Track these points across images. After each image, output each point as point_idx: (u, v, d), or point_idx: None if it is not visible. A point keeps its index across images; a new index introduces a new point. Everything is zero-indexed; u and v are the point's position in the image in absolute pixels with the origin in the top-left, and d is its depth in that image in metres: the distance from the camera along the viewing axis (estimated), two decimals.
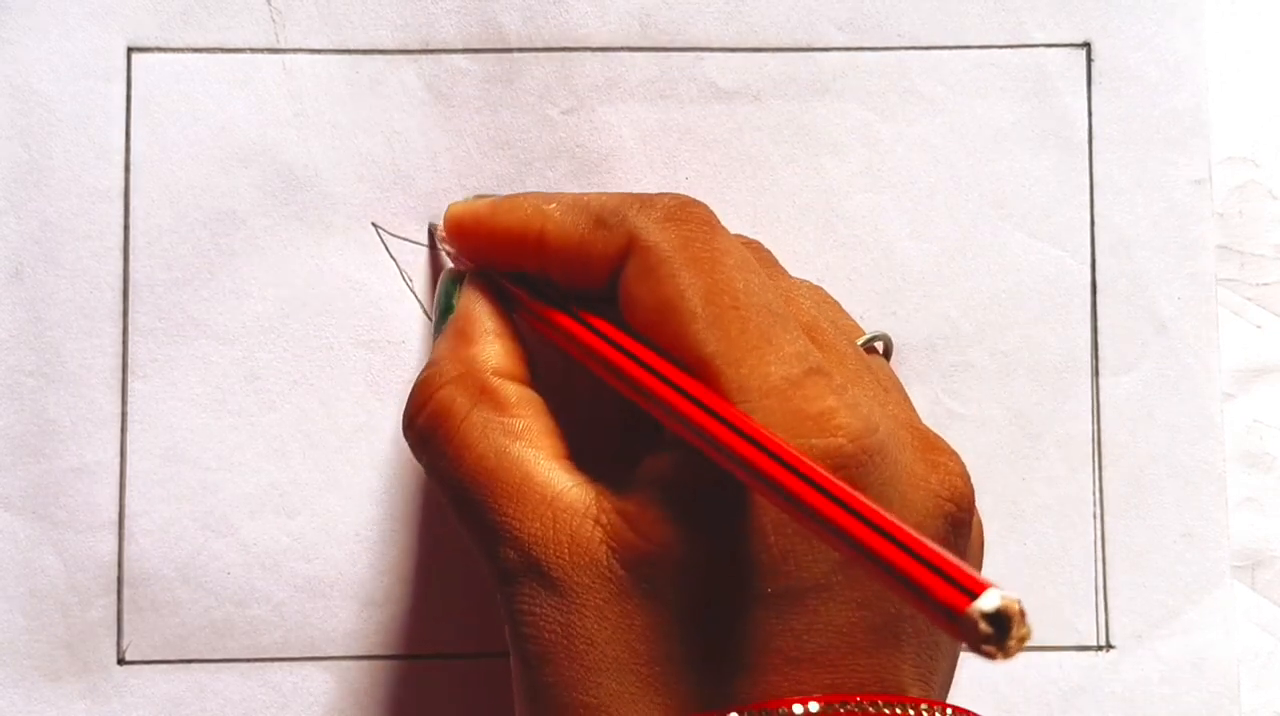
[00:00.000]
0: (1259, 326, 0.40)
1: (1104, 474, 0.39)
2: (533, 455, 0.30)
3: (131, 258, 0.38)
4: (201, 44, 0.39)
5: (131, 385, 0.38)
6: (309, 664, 0.38)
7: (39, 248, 0.38)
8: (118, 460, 0.38)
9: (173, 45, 0.39)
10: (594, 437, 0.32)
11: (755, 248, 0.34)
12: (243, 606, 0.38)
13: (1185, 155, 0.40)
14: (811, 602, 0.27)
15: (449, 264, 0.37)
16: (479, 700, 0.38)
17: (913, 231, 0.39)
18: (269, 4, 0.39)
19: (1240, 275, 0.40)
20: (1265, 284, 0.40)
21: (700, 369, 0.28)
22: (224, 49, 0.39)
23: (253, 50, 0.39)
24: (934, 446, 0.31)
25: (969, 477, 0.31)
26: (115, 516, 0.38)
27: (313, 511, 0.38)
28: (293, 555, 0.38)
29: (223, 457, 0.38)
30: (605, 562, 0.28)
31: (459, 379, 0.32)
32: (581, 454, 0.32)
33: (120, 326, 0.38)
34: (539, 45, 0.39)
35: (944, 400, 0.39)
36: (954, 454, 0.31)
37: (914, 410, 0.33)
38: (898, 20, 0.40)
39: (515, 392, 0.32)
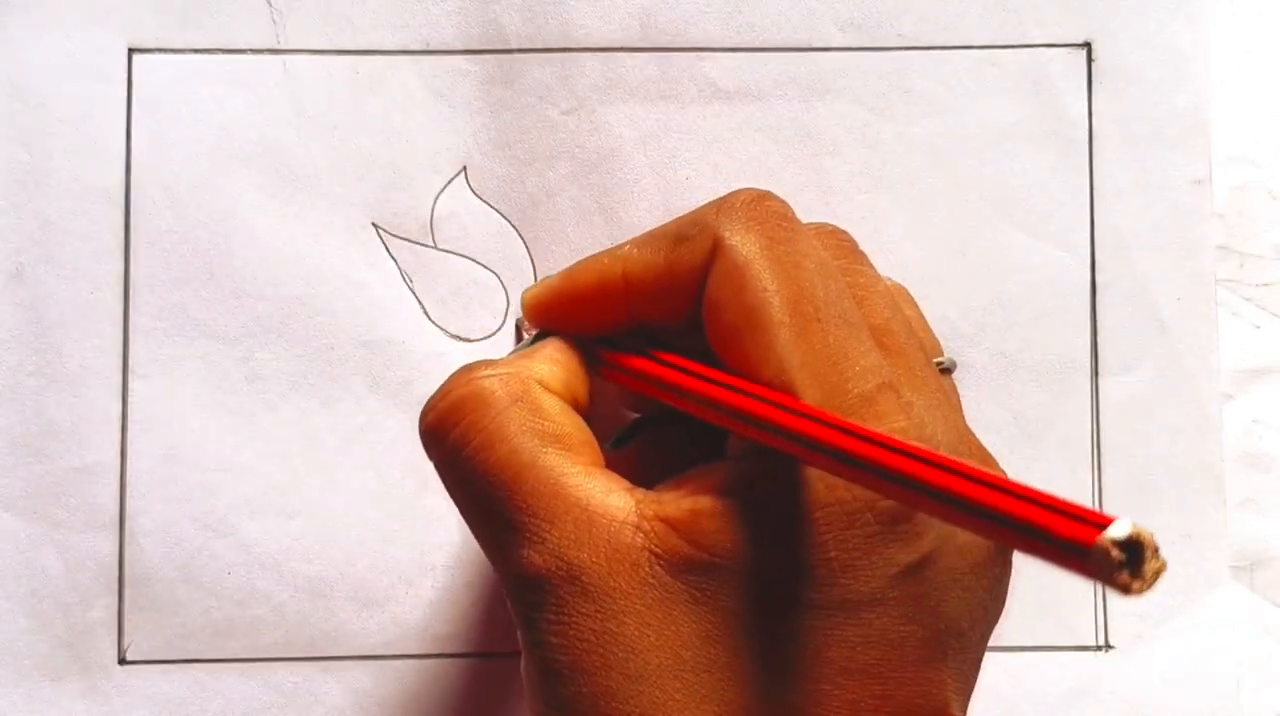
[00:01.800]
0: (1258, 326, 0.40)
1: (1103, 474, 0.39)
2: (569, 458, 0.29)
3: (131, 258, 0.38)
4: (201, 44, 0.39)
5: (131, 385, 0.38)
6: (309, 664, 0.38)
7: (39, 248, 0.38)
8: (118, 460, 0.38)
9: (173, 45, 0.39)
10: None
11: (838, 239, 0.33)
12: (243, 606, 0.38)
13: (1185, 155, 0.40)
14: (866, 615, 0.27)
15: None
16: (479, 700, 0.38)
17: (913, 231, 0.39)
18: (269, 4, 0.39)
19: (1240, 275, 0.40)
20: (1265, 284, 0.40)
21: (782, 379, 0.27)
22: (224, 49, 0.39)
23: (253, 50, 0.39)
24: (991, 466, 0.31)
25: None
26: (116, 516, 0.38)
27: (313, 511, 0.38)
28: (293, 555, 0.38)
29: (223, 458, 0.38)
30: (647, 568, 0.27)
31: (504, 376, 0.30)
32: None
33: (120, 326, 0.38)
34: (539, 46, 0.39)
35: None
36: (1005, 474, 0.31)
37: (968, 426, 0.33)
38: (898, 20, 0.40)
39: (557, 404, 0.30)
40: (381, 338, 0.39)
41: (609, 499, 0.28)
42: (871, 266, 0.32)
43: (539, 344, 0.32)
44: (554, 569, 0.28)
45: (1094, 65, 0.40)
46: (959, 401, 0.34)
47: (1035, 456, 0.39)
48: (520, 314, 0.36)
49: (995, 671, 0.38)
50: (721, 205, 0.30)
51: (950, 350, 0.39)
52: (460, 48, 0.39)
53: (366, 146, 0.39)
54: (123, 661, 0.38)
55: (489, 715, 0.38)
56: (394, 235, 0.39)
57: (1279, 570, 0.39)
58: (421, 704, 0.38)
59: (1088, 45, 0.40)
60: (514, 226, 0.39)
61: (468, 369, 0.30)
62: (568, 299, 0.32)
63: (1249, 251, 0.40)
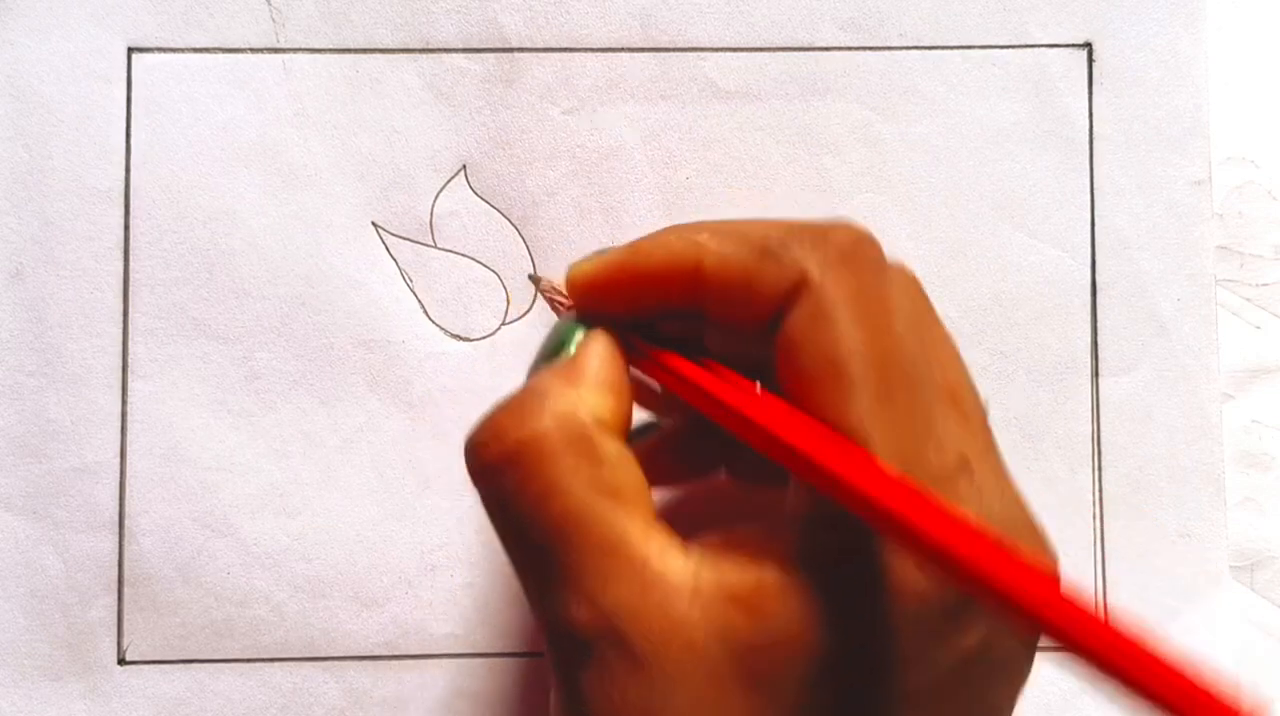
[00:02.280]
0: (1258, 327, 0.40)
1: (1103, 474, 0.39)
2: (625, 515, 0.27)
3: (131, 258, 0.38)
4: (201, 44, 0.39)
5: (131, 385, 0.38)
6: (309, 664, 0.38)
7: (39, 248, 0.38)
8: (118, 460, 0.38)
9: (173, 45, 0.39)
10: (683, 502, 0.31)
11: (917, 287, 0.30)
12: (243, 606, 0.38)
13: (1185, 156, 0.40)
14: (927, 704, 0.26)
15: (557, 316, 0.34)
16: (479, 699, 0.38)
17: (913, 231, 0.39)
18: (269, 4, 0.39)
19: (1239, 276, 0.40)
20: (1264, 284, 0.40)
21: (858, 438, 0.26)
22: (224, 49, 0.39)
23: (253, 50, 0.39)
24: (1039, 541, 0.30)
25: None
26: (115, 516, 0.38)
27: (313, 511, 0.38)
28: (293, 555, 0.38)
29: (223, 457, 0.38)
30: (703, 644, 0.25)
31: (560, 416, 0.28)
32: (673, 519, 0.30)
33: (120, 326, 0.38)
34: (540, 45, 0.39)
35: None
36: (1053, 550, 0.30)
37: (1017, 491, 0.31)
38: (899, 20, 0.40)
39: (615, 450, 0.28)
40: (381, 337, 0.39)
41: (666, 561, 0.26)
42: (939, 322, 0.31)
43: (586, 351, 0.30)
44: (604, 631, 0.26)
45: (1094, 66, 0.40)
46: (1002, 459, 0.33)
47: (1035, 456, 0.39)
48: (545, 283, 0.34)
49: None
50: (818, 238, 0.28)
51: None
52: (460, 46, 0.39)
53: (366, 146, 0.39)
54: (122, 661, 0.38)
55: (488, 714, 0.38)
56: (394, 234, 0.39)
57: (1279, 570, 0.39)
58: (421, 704, 0.38)
59: (1088, 46, 0.40)
60: (514, 225, 0.39)
61: (520, 405, 0.29)
62: (629, 277, 0.30)
63: (1249, 252, 0.40)
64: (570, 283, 0.31)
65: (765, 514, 0.28)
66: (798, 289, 0.27)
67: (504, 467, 0.28)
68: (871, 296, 0.27)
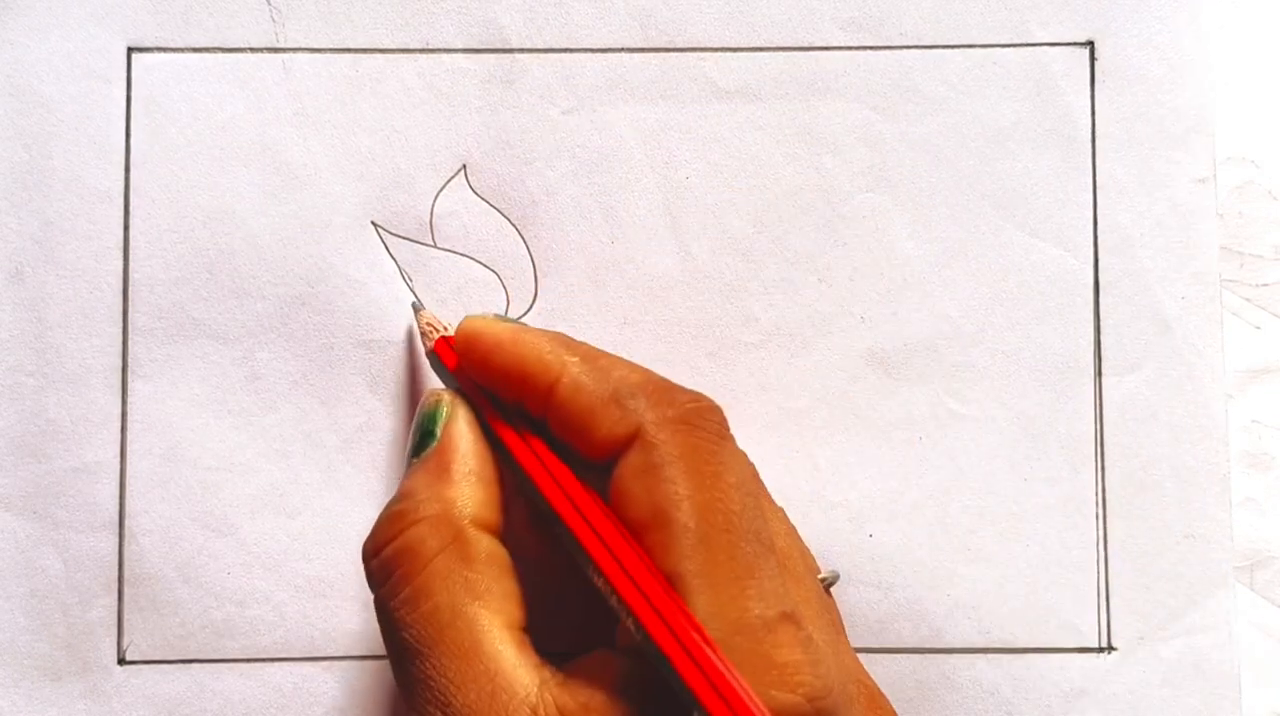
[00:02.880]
0: (1258, 327, 0.39)
1: (1106, 474, 0.39)
2: (487, 620, 0.29)
3: (131, 258, 0.39)
4: (201, 44, 0.39)
5: (131, 385, 0.38)
6: (309, 664, 0.38)
7: (39, 248, 0.38)
8: (118, 460, 0.38)
9: (173, 45, 0.39)
10: (552, 595, 0.32)
11: (747, 464, 0.33)
12: (243, 606, 0.38)
13: (1188, 154, 0.39)
14: None
15: (425, 352, 0.36)
16: None
17: (914, 231, 0.39)
18: (269, 4, 0.39)
19: (1240, 275, 0.39)
20: (1265, 284, 0.39)
21: (677, 584, 0.28)
22: (224, 49, 0.39)
23: (253, 50, 0.39)
24: (878, 705, 0.32)
25: None
26: (115, 516, 0.38)
27: (313, 511, 0.38)
28: (293, 555, 0.38)
29: (223, 457, 0.38)
30: None
31: (434, 519, 0.31)
32: (536, 612, 0.31)
33: (120, 326, 0.38)
34: (540, 45, 0.39)
35: (945, 400, 0.39)
36: (894, 713, 0.32)
37: (855, 657, 0.34)
38: (899, 19, 0.39)
39: (486, 548, 0.31)
40: (381, 338, 0.39)
41: (516, 673, 0.29)
42: (769, 497, 0.34)
43: (450, 442, 0.32)
44: None
45: (1096, 64, 0.40)
46: (843, 625, 0.35)
47: (1037, 456, 0.39)
48: (423, 314, 0.36)
49: (995, 671, 0.38)
50: (662, 397, 0.30)
51: (952, 350, 0.39)
52: (460, 46, 0.39)
53: (366, 145, 0.39)
54: (122, 661, 0.38)
55: None
56: (394, 234, 0.39)
57: (1279, 570, 0.39)
58: None
59: (1090, 44, 0.40)
60: (514, 225, 0.39)
61: (398, 517, 0.31)
62: (499, 361, 0.32)
63: (1249, 252, 0.40)
64: (460, 331, 0.33)
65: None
66: (632, 439, 0.29)
67: (384, 574, 0.30)
68: (703, 457, 0.29)
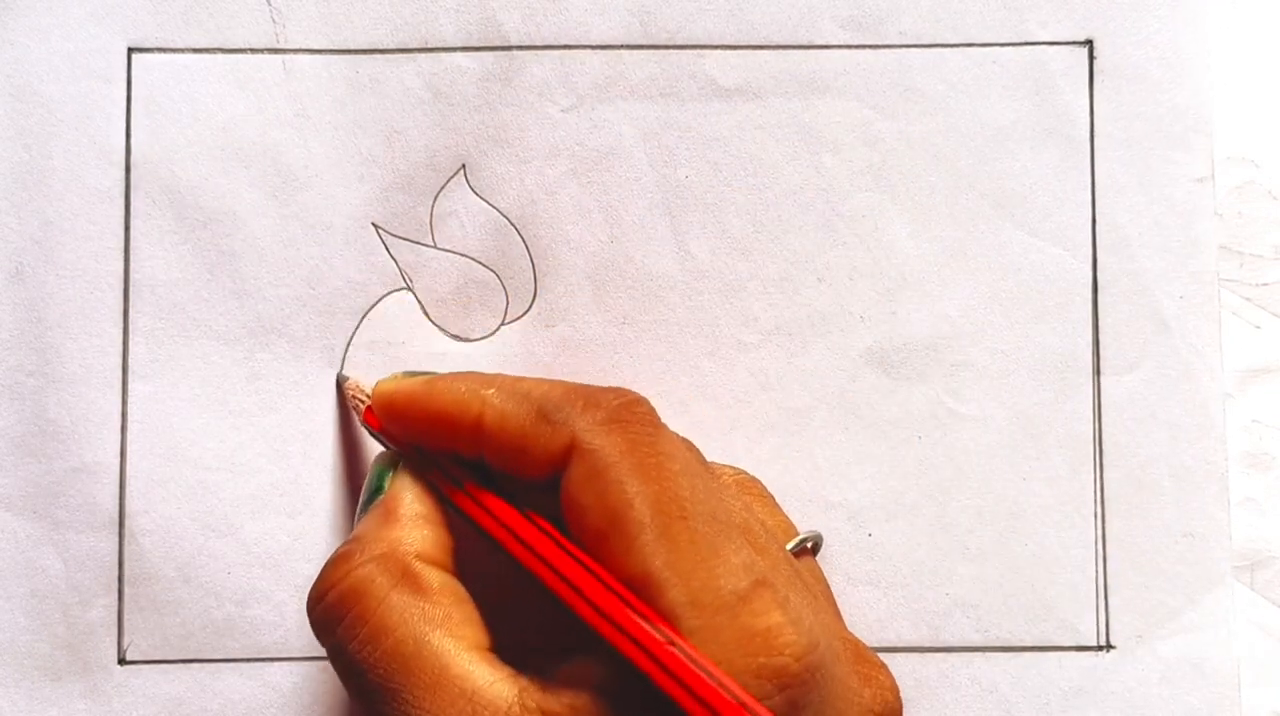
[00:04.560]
0: (1258, 326, 0.39)
1: (1105, 473, 0.39)
2: (452, 645, 0.29)
3: (132, 258, 0.39)
4: (201, 44, 0.39)
5: (132, 385, 0.38)
6: (309, 664, 0.38)
7: (39, 248, 0.38)
8: (118, 460, 0.38)
9: (173, 45, 0.39)
10: (518, 625, 0.32)
11: (688, 445, 0.33)
12: (243, 606, 0.38)
13: (1187, 153, 0.39)
14: None
15: (357, 421, 0.37)
16: None
17: (913, 230, 0.39)
18: (269, 4, 0.39)
19: (1239, 275, 0.39)
20: (1264, 284, 0.39)
21: (647, 581, 0.28)
22: (224, 49, 0.39)
23: (253, 50, 0.39)
24: (864, 658, 0.32)
25: (899, 691, 0.32)
26: (116, 516, 0.38)
27: (313, 511, 0.38)
28: (293, 555, 0.38)
29: (223, 457, 0.38)
30: None
31: (381, 558, 0.31)
32: (504, 642, 0.31)
33: (120, 326, 0.38)
34: (538, 43, 0.39)
35: (945, 400, 0.39)
36: (883, 666, 0.32)
37: (839, 614, 0.34)
38: (899, 18, 0.39)
39: (438, 579, 0.31)
40: (381, 338, 0.39)
41: (493, 689, 0.29)
42: (719, 473, 0.34)
43: (395, 492, 0.32)
44: None
45: (1095, 63, 0.40)
46: (827, 590, 0.35)
47: (1036, 456, 0.39)
48: (349, 384, 0.37)
49: (995, 671, 0.38)
50: (588, 401, 0.30)
51: (951, 349, 0.39)
52: (459, 45, 0.39)
53: (366, 146, 0.39)
54: (123, 661, 0.38)
55: None
56: (394, 235, 0.39)
57: (1279, 570, 0.39)
58: None
59: (1089, 43, 0.40)
60: (514, 225, 0.39)
61: (345, 557, 0.31)
62: (420, 413, 0.32)
63: (1249, 251, 0.40)
64: (374, 396, 0.33)
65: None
66: (569, 450, 0.30)
67: (335, 617, 0.30)
68: (643, 450, 0.29)
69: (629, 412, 0.30)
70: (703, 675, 0.27)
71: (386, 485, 0.33)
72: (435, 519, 0.32)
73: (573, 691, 0.28)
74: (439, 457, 0.33)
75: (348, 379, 0.37)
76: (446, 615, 0.30)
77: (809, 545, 0.36)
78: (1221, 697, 0.38)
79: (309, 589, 0.31)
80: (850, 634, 0.33)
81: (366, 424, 0.35)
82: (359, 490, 0.38)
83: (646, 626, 0.27)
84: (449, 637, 0.29)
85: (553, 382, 0.31)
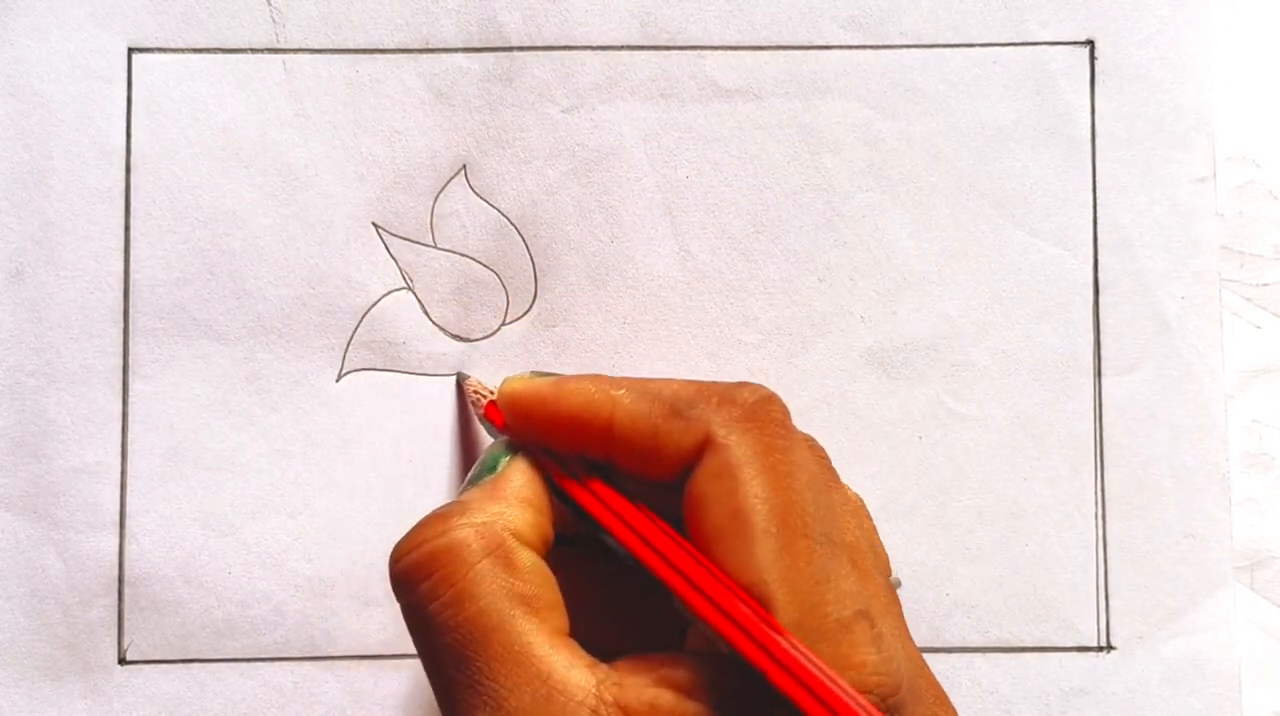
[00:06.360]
0: (1258, 326, 0.39)
1: (1106, 474, 0.39)
2: (535, 625, 0.29)
3: (131, 258, 0.39)
4: (202, 44, 0.39)
5: (132, 385, 0.38)
6: (309, 664, 0.38)
7: (40, 248, 0.38)
8: (118, 460, 0.38)
9: (173, 45, 0.39)
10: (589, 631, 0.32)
11: (819, 452, 0.33)
12: (243, 606, 0.38)
13: (1188, 153, 0.39)
14: None
15: (478, 419, 0.36)
16: None
17: (913, 230, 0.39)
18: (269, 4, 0.39)
19: (1240, 275, 0.39)
20: (1265, 284, 0.39)
21: (759, 590, 0.28)
22: (224, 49, 0.39)
23: (253, 50, 0.39)
24: (943, 702, 0.32)
25: None
26: (116, 516, 0.38)
27: (313, 511, 0.38)
28: (293, 555, 0.38)
29: (223, 457, 0.38)
30: None
31: (479, 526, 0.30)
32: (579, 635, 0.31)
33: (121, 326, 0.38)
34: (539, 44, 0.39)
35: (945, 400, 0.39)
36: (955, 711, 0.32)
37: (919, 651, 0.34)
38: (899, 18, 0.39)
39: (530, 560, 0.30)
40: (381, 338, 0.39)
41: (570, 674, 0.28)
42: (840, 486, 0.33)
43: (509, 471, 0.32)
44: None
45: (1096, 63, 0.40)
46: (905, 622, 0.35)
47: (1037, 456, 0.39)
48: (470, 382, 0.36)
49: (995, 671, 0.38)
50: (725, 398, 0.30)
51: (951, 349, 0.39)
52: (460, 46, 0.39)
53: (366, 146, 0.39)
54: (123, 661, 0.38)
55: None
56: (394, 235, 0.39)
57: (1279, 570, 0.39)
58: (420, 704, 0.38)
59: (1090, 43, 0.40)
60: (514, 225, 0.39)
61: (443, 516, 0.30)
62: (549, 414, 0.32)
63: (1249, 251, 0.40)
64: (500, 394, 0.33)
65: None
66: (703, 447, 0.29)
67: (421, 574, 0.29)
68: (775, 454, 0.29)
69: (764, 411, 0.30)
70: (826, 681, 0.26)
71: (501, 467, 0.32)
72: (541, 507, 0.32)
73: (655, 688, 0.28)
74: (563, 456, 0.32)
75: (468, 377, 0.37)
76: (535, 595, 0.29)
77: (894, 584, 0.36)
78: (1222, 698, 0.38)
79: (395, 542, 0.31)
80: (930, 671, 0.33)
81: (488, 420, 0.34)
82: (359, 490, 0.38)
83: (768, 630, 0.27)
84: (533, 618, 0.29)
85: (682, 381, 0.31)
